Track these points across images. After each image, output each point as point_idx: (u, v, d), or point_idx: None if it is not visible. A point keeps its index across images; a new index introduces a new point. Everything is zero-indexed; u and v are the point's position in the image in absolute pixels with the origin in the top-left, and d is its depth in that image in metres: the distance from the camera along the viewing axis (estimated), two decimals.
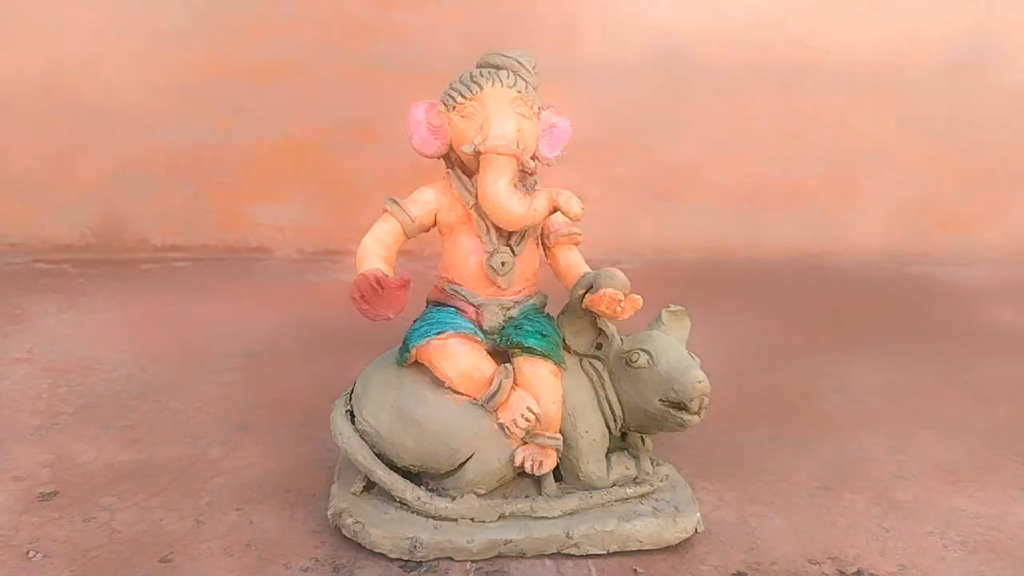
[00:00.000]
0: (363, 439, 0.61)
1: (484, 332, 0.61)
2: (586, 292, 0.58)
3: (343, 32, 1.52)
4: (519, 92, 0.60)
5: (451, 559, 0.58)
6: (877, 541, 0.62)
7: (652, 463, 0.65)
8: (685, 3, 1.56)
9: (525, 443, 0.60)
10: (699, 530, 0.61)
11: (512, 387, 0.58)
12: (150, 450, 0.74)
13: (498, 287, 0.61)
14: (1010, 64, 1.63)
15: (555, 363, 0.59)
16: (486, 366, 0.59)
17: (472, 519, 0.59)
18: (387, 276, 0.56)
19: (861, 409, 0.90)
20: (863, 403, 0.91)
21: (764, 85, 1.61)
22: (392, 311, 0.56)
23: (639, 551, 0.59)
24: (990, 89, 1.64)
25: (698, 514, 0.61)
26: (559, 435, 0.60)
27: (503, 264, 0.61)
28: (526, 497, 0.61)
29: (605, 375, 0.62)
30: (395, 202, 0.61)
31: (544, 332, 0.60)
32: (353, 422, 0.62)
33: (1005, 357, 1.09)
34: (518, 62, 0.61)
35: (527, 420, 0.58)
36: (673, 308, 0.65)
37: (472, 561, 0.58)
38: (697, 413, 0.58)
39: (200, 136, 1.54)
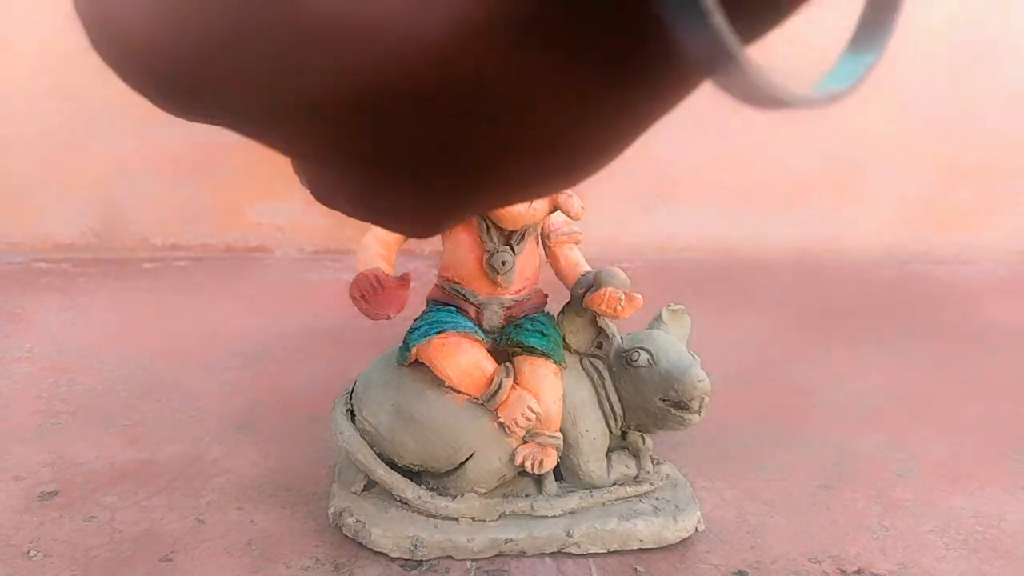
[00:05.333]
0: (364, 438, 0.61)
1: (484, 331, 0.61)
2: (586, 291, 0.58)
3: None
4: None
5: (452, 558, 0.58)
6: (877, 540, 0.62)
7: (653, 462, 0.65)
8: None
9: (525, 442, 0.60)
10: (700, 529, 0.61)
11: (512, 386, 0.58)
12: (150, 449, 0.74)
13: (498, 286, 0.61)
14: (1010, 63, 1.63)
15: (555, 362, 0.59)
16: (486, 365, 0.59)
17: (473, 518, 0.59)
18: (387, 275, 0.56)
19: (861, 408, 0.90)
20: (863, 402, 0.91)
21: None
22: (392, 310, 0.56)
23: (640, 550, 0.59)
24: (990, 88, 1.64)
25: (699, 513, 0.61)
26: (559, 434, 0.60)
27: (503, 263, 0.61)
28: (527, 496, 0.61)
29: (605, 374, 0.62)
30: None
31: (544, 331, 0.60)
32: (353, 421, 0.62)
33: (1005, 355, 1.09)
34: None
35: (527, 419, 0.58)
36: (673, 307, 0.65)
37: (473, 560, 0.58)
38: (698, 412, 0.58)
39: (200, 136, 1.54)
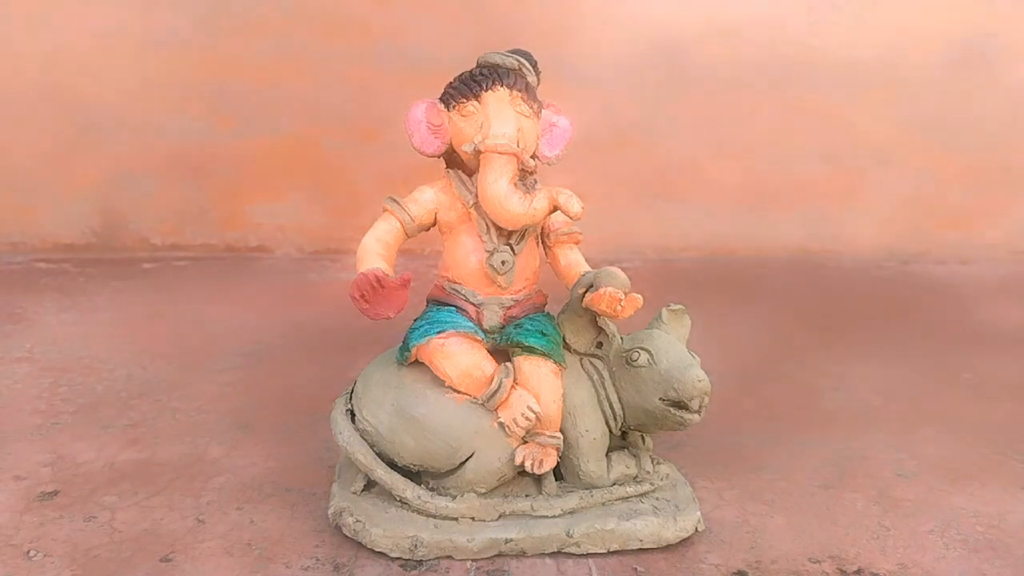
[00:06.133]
0: (363, 438, 0.61)
1: (484, 331, 0.61)
2: (586, 291, 0.58)
3: (343, 32, 1.52)
4: (519, 91, 0.59)
5: (451, 558, 0.58)
6: (877, 540, 0.62)
7: (652, 462, 0.65)
8: (686, 1, 1.56)
9: (525, 442, 0.60)
10: (699, 529, 0.61)
11: (512, 386, 0.58)
12: (151, 449, 0.74)
13: (498, 286, 0.61)
14: (1010, 63, 1.63)
15: (555, 362, 0.59)
16: (486, 365, 0.59)
17: (472, 518, 0.59)
18: (387, 275, 0.56)
19: (861, 407, 0.90)
20: (863, 401, 0.91)
21: (764, 83, 1.61)
22: (392, 310, 0.56)
23: (639, 550, 0.59)
24: (990, 88, 1.64)
25: (698, 513, 0.61)
26: (559, 434, 0.60)
27: (503, 263, 0.61)
28: (526, 496, 0.61)
29: (605, 374, 0.62)
30: (395, 201, 0.61)
31: (544, 331, 0.60)
32: (353, 421, 0.62)
33: (1005, 355, 1.09)
34: (518, 61, 0.61)
35: (527, 419, 0.58)
36: (673, 307, 0.65)
37: (472, 560, 0.58)
38: (697, 412, 0.58)
39: (200, 136, 1.54)
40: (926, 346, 1.12)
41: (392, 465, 0.61)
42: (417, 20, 1.53)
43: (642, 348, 0.60)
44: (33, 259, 1.49)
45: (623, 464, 0.63)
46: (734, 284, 1.46)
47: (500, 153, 0.57)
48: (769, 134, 1.64)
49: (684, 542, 0.60)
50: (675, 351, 0.60)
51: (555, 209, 0.59)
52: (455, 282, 0.62)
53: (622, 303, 0.57)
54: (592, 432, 0.61)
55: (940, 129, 1.66)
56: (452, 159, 0.63)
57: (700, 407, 0.58)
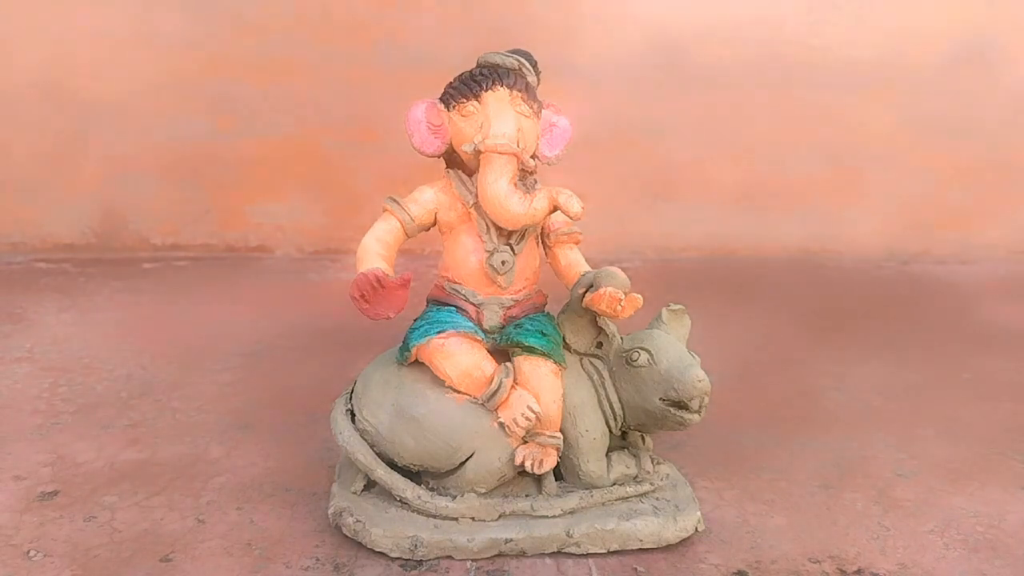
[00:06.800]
0: (363, 438, 0.61)
1: (484, 331, 0.61)
2: (586, 291, 0.58)
3: (343, 32, 1.52)
4: (519, 91, 0.60)
5: (451, 558, 0.58)
6: (877, 540, 0.62)
7: (652, 462, 0.65)
8: (686, 1, 1.56)
9: (525, 442, 0.60)
10: (699, 529, 0.61)
11: (512, 386, 0.58)
12: (151, 449, 0.74)
13: (498, 286, 0.61)
14: (1010, 63, 1.63)
15: (555, 362, 0.59)
16: (486, 365, 0.59)
17: (472, 518, 0.59)
18: (387, 275, 0.56)
19: (861, 408, 0.90)
20: (863, 402, 0.91)
21: (765, 83, 1.61)
22: (392, 310, 0.56)
23: (639, 550, 0.59)
24: (990, 88, 1.65)
25: (698, 513, 0.61)
26: (559, 434, 0.60)
27: (503, 263, 0.61)
28: (526, 496, 0.61)
29: (605, 374, 0.62)
30: (395, 201, 0.61)
31: (544, 331, 0.60)
32: (353, 421, 0.62)
33: (1005, 355, 1.09)
34: (518, 61, 0.61)
35: (527, 419, 0.58)
36: (673, 307, 0.65)
37: (472, 560, 0.58)
38: (697, 412, 0.58)
39: (200, 135, 1.54)
40: (926, 346, 1.12)
41: (392, 465, 0.61)
42: (417, 20, 1.53)
43: (642, 348, 0.60)
44: (33, 259, 1.49)
45: (623, 464, 0.63)
46: (734, 284, 1.46)
47: (500, 153, 0.57)
48: (769, 134, 1.64)
49: (684, 542, 0.60)
50: (675, 351, 0.60)
51: (555, 209, 0.59)
52: (455, 282, 0.62)
53: (622, 303, 0.57)
54: (592, 432, 0.61)
55: (940, 129, 1.66)
56: (452, 159, 0.63)
57: (700, 407, 0.58)
